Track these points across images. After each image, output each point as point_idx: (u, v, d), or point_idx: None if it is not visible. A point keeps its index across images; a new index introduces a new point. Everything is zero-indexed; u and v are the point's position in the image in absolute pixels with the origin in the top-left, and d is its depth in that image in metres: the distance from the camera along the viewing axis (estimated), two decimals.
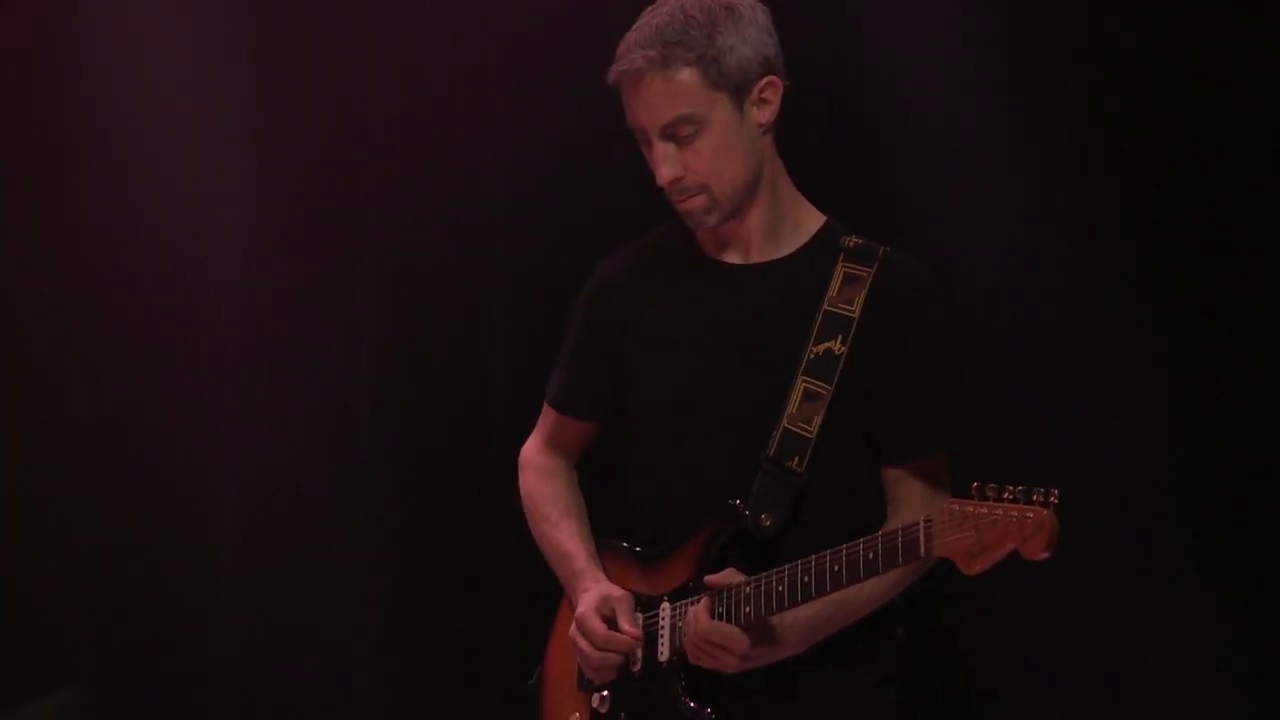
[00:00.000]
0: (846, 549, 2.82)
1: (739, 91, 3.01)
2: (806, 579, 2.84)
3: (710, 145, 3.01)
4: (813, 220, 3.13)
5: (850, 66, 4.29)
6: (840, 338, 2.99)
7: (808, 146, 4.18)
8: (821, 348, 2.99)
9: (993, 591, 4.01)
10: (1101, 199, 4.14)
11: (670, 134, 3.02)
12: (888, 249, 3.06)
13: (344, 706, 4.76)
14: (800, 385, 2.99)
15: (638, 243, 3.26)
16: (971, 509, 2.68)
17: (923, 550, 2.73)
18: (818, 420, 2.97)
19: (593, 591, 3.11)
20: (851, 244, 3.05)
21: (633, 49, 3.03)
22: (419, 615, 4.69)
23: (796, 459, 2.96)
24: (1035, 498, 2.66)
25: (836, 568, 2.81)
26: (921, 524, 2.74)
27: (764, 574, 2.91)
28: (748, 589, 2.90)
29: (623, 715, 3.06)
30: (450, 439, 4.68)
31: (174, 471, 4.81)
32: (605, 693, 3.09)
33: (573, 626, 3.09)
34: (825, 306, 3.00)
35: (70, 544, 4.84)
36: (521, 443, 3.43)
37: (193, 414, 4.80)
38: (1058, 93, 4.16)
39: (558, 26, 4.50)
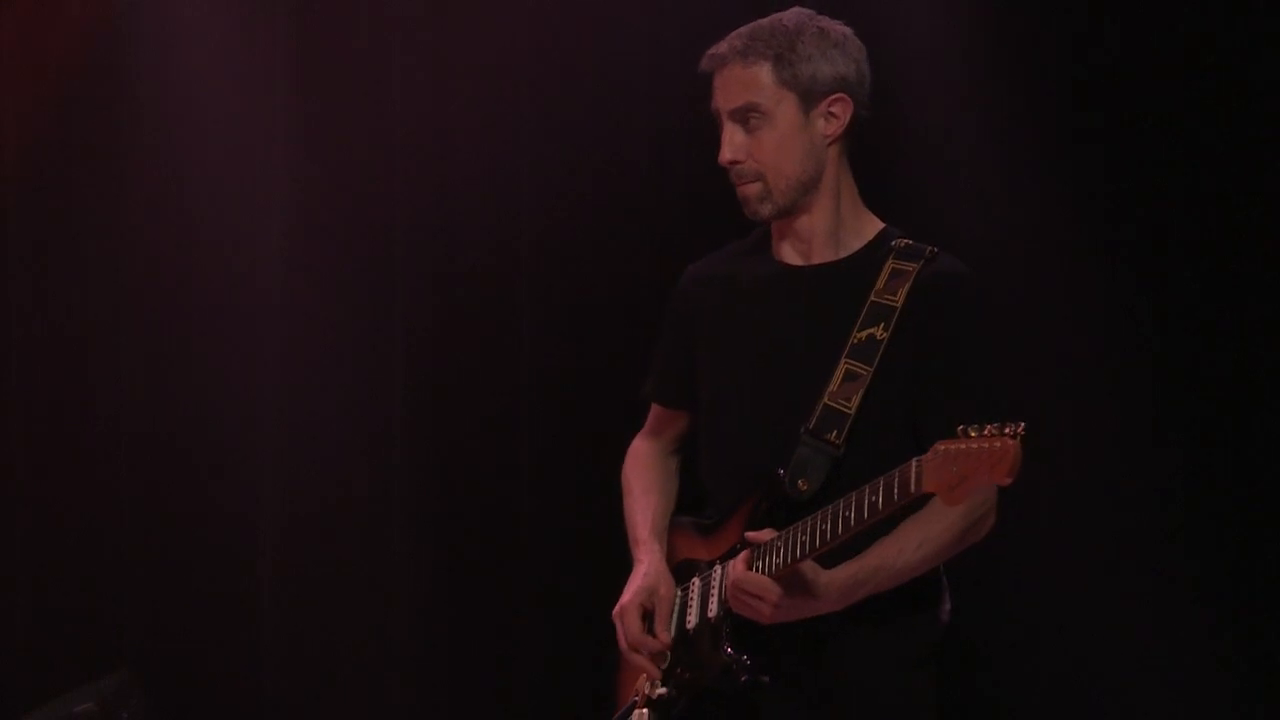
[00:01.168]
0: (855, 494, 2.95)
1: (807, 98, 3.18)
2: (824, 525, 2.98)
3: (772, 138, 3.18)
4: (872, 228, 3.27)
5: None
6: (883, 325, 3.12)
7: None
8: (865, 334, 3.14)
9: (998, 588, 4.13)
10: (1096, 199, 4.16)
11: (739, 119, 3.20)
12: (935, 249, 3.19)
13: (378, 694, 4.81)
14: (843, 366, 3.12)
15: (726, 247, 3.42)
16: (953, 446, 2.82)
17: (912, 486, 2.87)
18: (857, 398, 3.10)
19: (641, 579, 3.27)
20: (902, 245, 3.21)
21: (727, 39, 3.24)
22: (452, 612, 4.73)
23: (835, 432, 3.10)
24: (1006, 430, 2.79)
25: (848, 512, 2.95)
26: (913, 464, 2.88)
27: (793, 527, 3.05)
28: (778, 541, 3.05)
29: (678, 670, 3.19)
30: (483, 440, 4.71)
31: (217, 467, 4.89)
32: (650, 682, 3.21)
33: (617, 609, 3.25)
34: (872, 297, 3.15)
35: (119, 537, 4.94)
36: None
37: (235, 413, 4.87)
38: (1053, 95, 4.19)
39: (590, 28, 4.56)
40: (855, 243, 3.26)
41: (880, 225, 3.29)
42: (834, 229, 3.26)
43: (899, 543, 3.08)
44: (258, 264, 4.89)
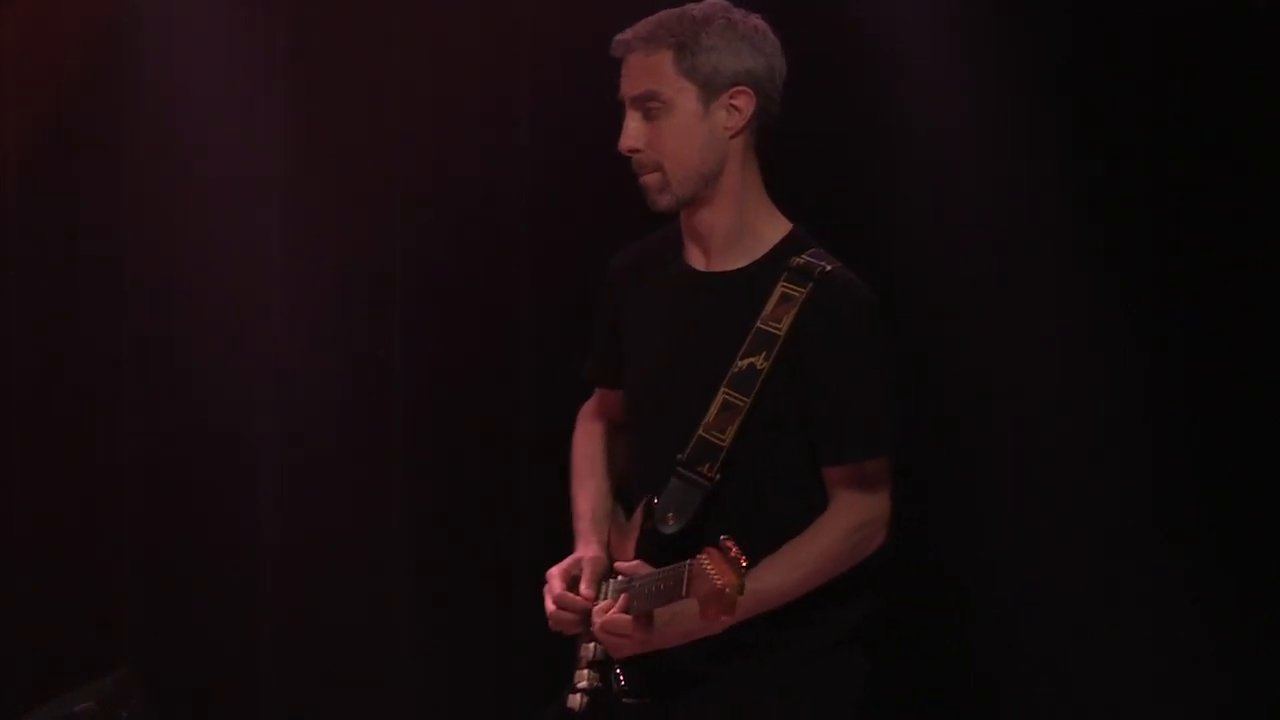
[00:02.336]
0: (667, 572, 3.01)
1: (708, 89, 3.15)
2: (652, 588, 3.03)
3: (670, 128, 3.16)
4: (776, 233, 3.24)
5: (851, 67, 4.35)
6: (765, 354, 3.10)
7: (809, 147, 4.35)
8: (746, 362, 3.11)
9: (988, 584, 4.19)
10: (1093, 200, 4.17)
11: (639, 107, 3.19)
12: (826, 268, 3.15)
13: (379, 693, 4.83)
14: (721, 396, 3.11)
15: (647, 238, 3.41)
16: (707, 564, 2.88)
17: (684, 591, 2.93)
18: (732, 430, 3.09)
19: (573, 555, 3.29)
20: (796, 264, 3.16)
21: (635, 26, 3.22)
22: (452, 611, 4.75)
23: (708, 465, 3.10)
24: (742, 564, 2.84)
25: (660, 585, 3.01)
26: (688, 567, 2.93)
27: (646, 577, 3.08)
28: (635, 585, 3.09)
29: (601, 666, 3.22)
30: (483, 439, 4.74)
31: (216, 467, 4.91)
32: (591, 644, 3.24)
33: (547, 575, 3.28)
34: (757, 324, 3.13)
35: (119, 536, 4.96)
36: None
37: (235, 413, 4.89)
38: (1049, 94, 4.20)
39: (590, 28, 4.48)
40: (756, 249, 3.22)
41: (786, 229, 3.26)
42: (736, 229, 3.23)
43: (778, 565, 3.09)
44: (257, 263, 4.90)
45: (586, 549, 3.29)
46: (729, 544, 2.89)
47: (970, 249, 4.27)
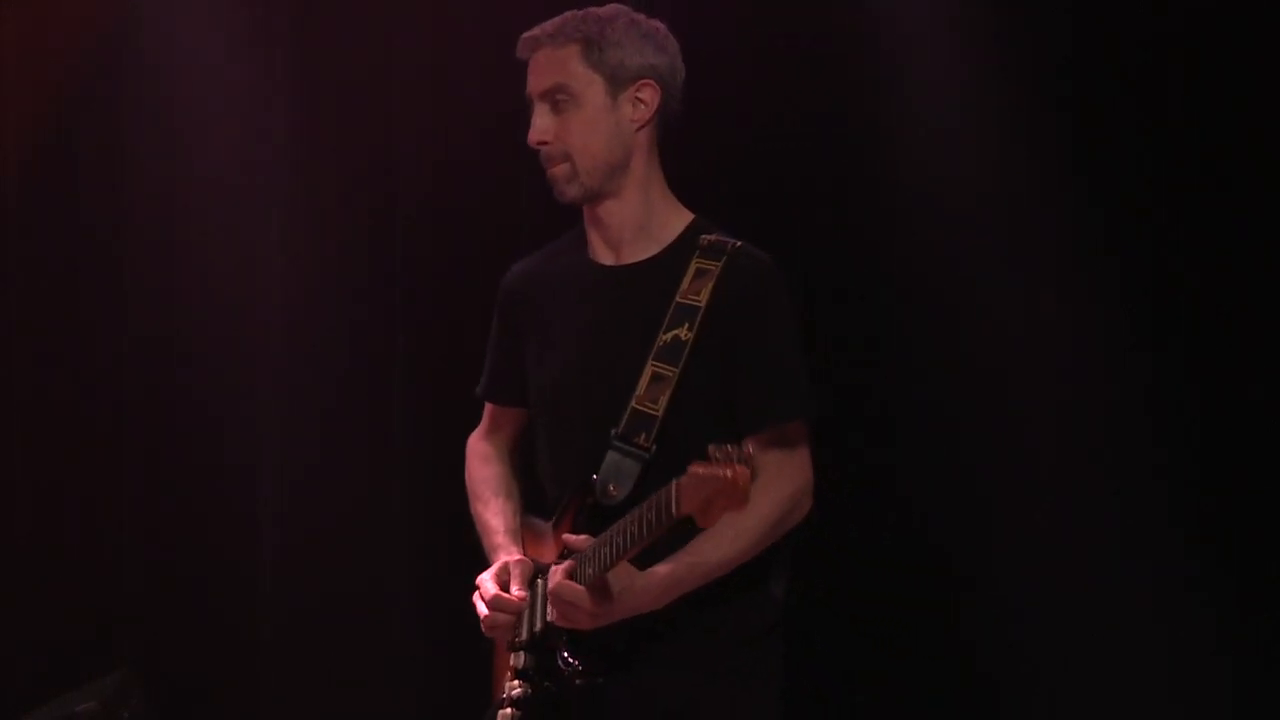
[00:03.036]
0: (639, 510, 3.02)
1: (615, 82, 3.27)
2: (619, 539, 3.05)
3: (579, 119, 3.27)
4: (680, 221, 3.34)
5: (851, 67, 4.36)
6: (688, 325, 3.20)
7: (809, 143, 4.35)
8: (670, 335, 3.21)
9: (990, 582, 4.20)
10: (1094, 199, 4.17)
11: (548, 100, 3.29)
12: (737, 244, 3.26)
13: (378, 693, 4.84)
14: (650, 369, 3.19)
15: (547, 246, 3.49)
16: (702, 470, 2.89)
17: (674, 508, 2.93)
18: (664, 400, 3.17)
19: (498, 562, 3.34)
20: (706, 242, 3.27)
21: (541, 25, 3.32)
22: (452, 611, 4.57)
23: (643, 435, 3.17)
24: (745, 453, 2.87)
25: (634, 527, 3.02)
26: (673, 486, 2.94)
27: (599, 536, 3.11)
28: (588, 551, 3.12)
29: (531, 671, 3.24)
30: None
31: (217, 467, 4.92)
32: (523, 651, 3.27)
33: (475, 592, 3.32)
34: (677, 299, 3.22)
35: (120, 536, 4.97)
36: None
37: (235, 413, 4.91)
38: (1048, 93, 4.20)
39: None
40: (665, 236, 3.32)
41: (690, 217, 3.36)
42: (643, 220, 3.33)
43: (714, 538, 3.14)
44: (258, 264, 4.91)
45: (510, 555, 3.35)
46: (711, 451, 2.90)
47: (970, 248, 4.27)
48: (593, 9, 3.32)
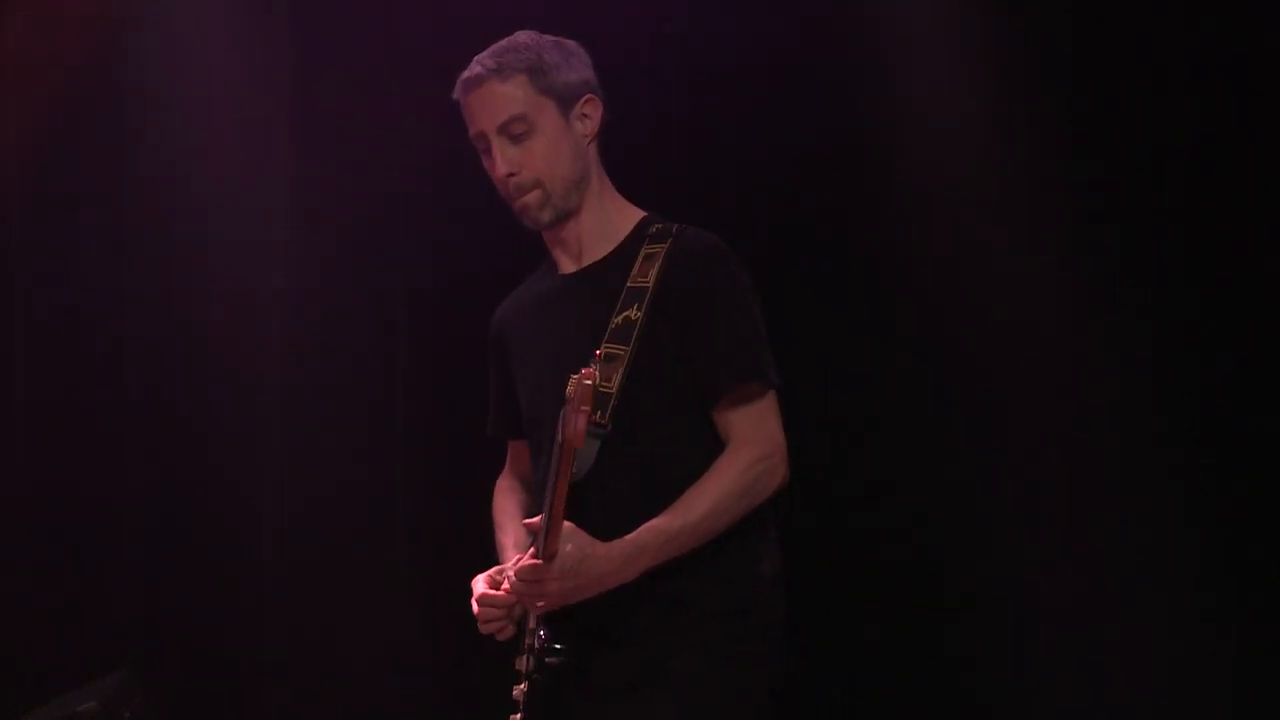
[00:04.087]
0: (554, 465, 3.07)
1: (564, 102, 3.35)
2: (547, 496, 3.09)
3: (541, 144, 3.34)
4: (632, 219, 3.42)
5: (850, 67, 4.37)
6: (637, 305, 3.26)
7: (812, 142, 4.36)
8: (620, 317, 3.27)
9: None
10: (1095, 198, 4.18)
11: (506, 132, 3.34)
12: (682, 227, 3.35)
13: (382, 694, 4.85)
14: (604, 350, 3.24)
15: (524, 281, 3.56)
16: (568, 391, 2.98)
17: (559, 434, 3.01)
18: (618, 378, 3.22)
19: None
20: (655, 229, 3.36)
21: (473, 63, 3.38)
22: (458, 614, 4.66)
23: (599, 413, 3.19)
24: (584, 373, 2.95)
25: (548, 478, 3.08)
26: (560, 416, 3.01)
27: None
28: (538, 524, 3.16)
29: (533, 673, 3.26)
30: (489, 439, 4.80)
31: (220, 467, 4.92)
32: (525, 656, 3.28)
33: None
34: (627, 284, 3.29)
35: (121, 536, 4.97)
36: None
37: (238, 414, 4.90)
38: (1052, 92, 4.21)
39: (592, 30, 4.58)
40: (617, 236, 3.39)
41: (639, 215, 3.43)
42: (600, 227, 3.40)
43: (681, 505, 3.19)
44: (261, 265, 4.91)
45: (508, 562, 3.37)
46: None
47: (971, 247, 4.29)
48: (514, 39, 3.38)
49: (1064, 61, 4.21)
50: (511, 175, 3.35)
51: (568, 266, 3.43)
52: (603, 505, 3.21)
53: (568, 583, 3.16)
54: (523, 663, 3.26)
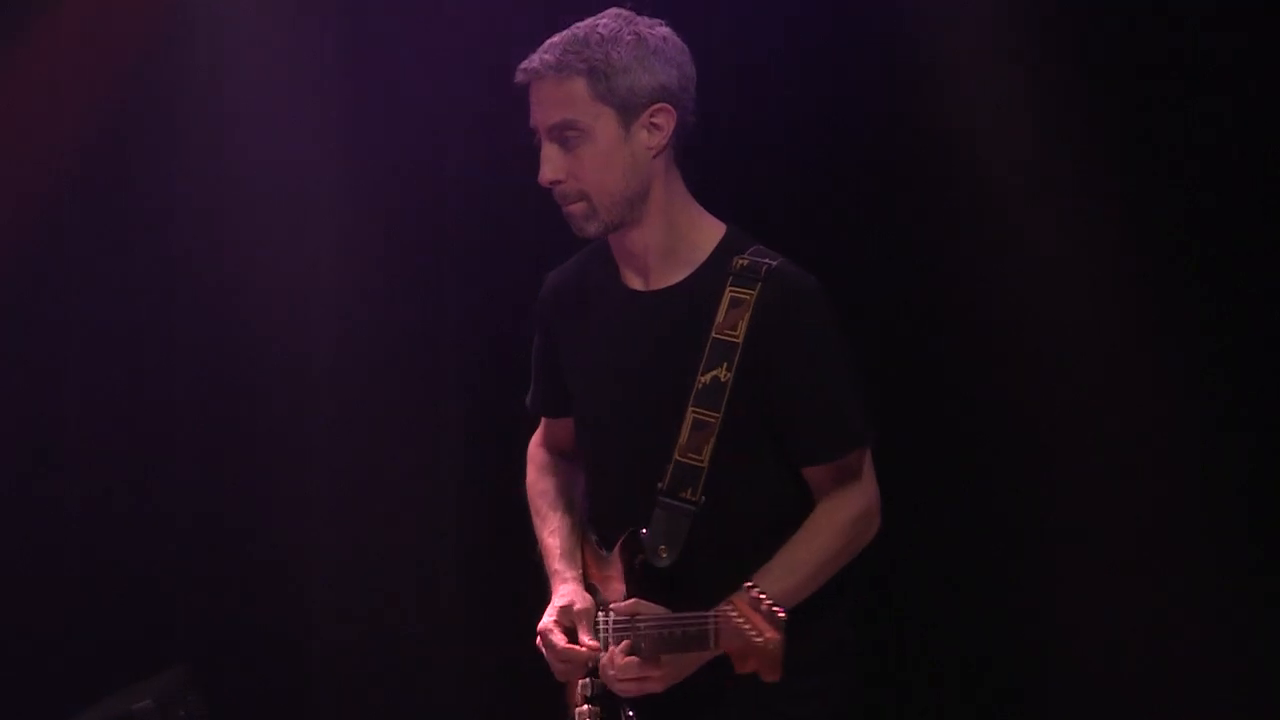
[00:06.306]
0: (686, 620, 2.97)
1: (626, 110, 3.09)
2: (667, 633, 2.99)
3: (591, 155, 3.09)
4: (709, 238, 3.18)
5: (884, 67, 4.34)
6: (726, 365, 3.06)
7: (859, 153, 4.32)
8: (709, 376, 3.06)
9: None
10: (1132, 199, 4.14)
11: (556, 137, 3.11)
12: (771, 265, 3.09)
13: (428, 694, 4.86)
14: (690, 415, 3.06)
15: (579, 255, 3.36)
16: (739, 619, 2.84)
17: (712, 644, 2.90)
18: (708, 450, 3.05)
19: (558, 598, 3.24)
20: (739, 266, 3.10)
21: (539, 52, 3.14)
22: (506, 617, 4.56)
23: (690, 490, 3.06)
24: (777, 615, 2.81)
25: (679, 633, 2.97)
26: (711, 620, 2.90)
27: (650, 619, 3.04)
28: (641, 627, 3.04)
29: (604, 696, 3.19)
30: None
31: (270, 466, 4.92)
32: (589, 679, 3.20)
33: (539, 630, 3.23)
34: (713, 334, 3.07)
35: (177, 537, 4.97)
36: None
37: (287, 413, 4.91)
38: (1086, 99, 4.18)
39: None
40: (695, 257, 3.17)
41: (720, 232, 3.20)
42: (670, 244, 3.18)
43: (778, 571, 3.06)
44: (308, 260, 4.90)
45: (566, 589, 3.25)
46: (758, 594, 2.86)
47: (1005, 247, 4.25)
48: (594, 24, 3.12)
49: (1110, 62, 4.17)
50: (556, 183, 3.14)
51: (633, 282, 3.22)
52: (698, 581, 3.06)
53: (674, 671, 3.06)
54: (589, 688, 3.18)
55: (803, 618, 3.05)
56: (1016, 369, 4.22)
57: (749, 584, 2.87)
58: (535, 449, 3.51)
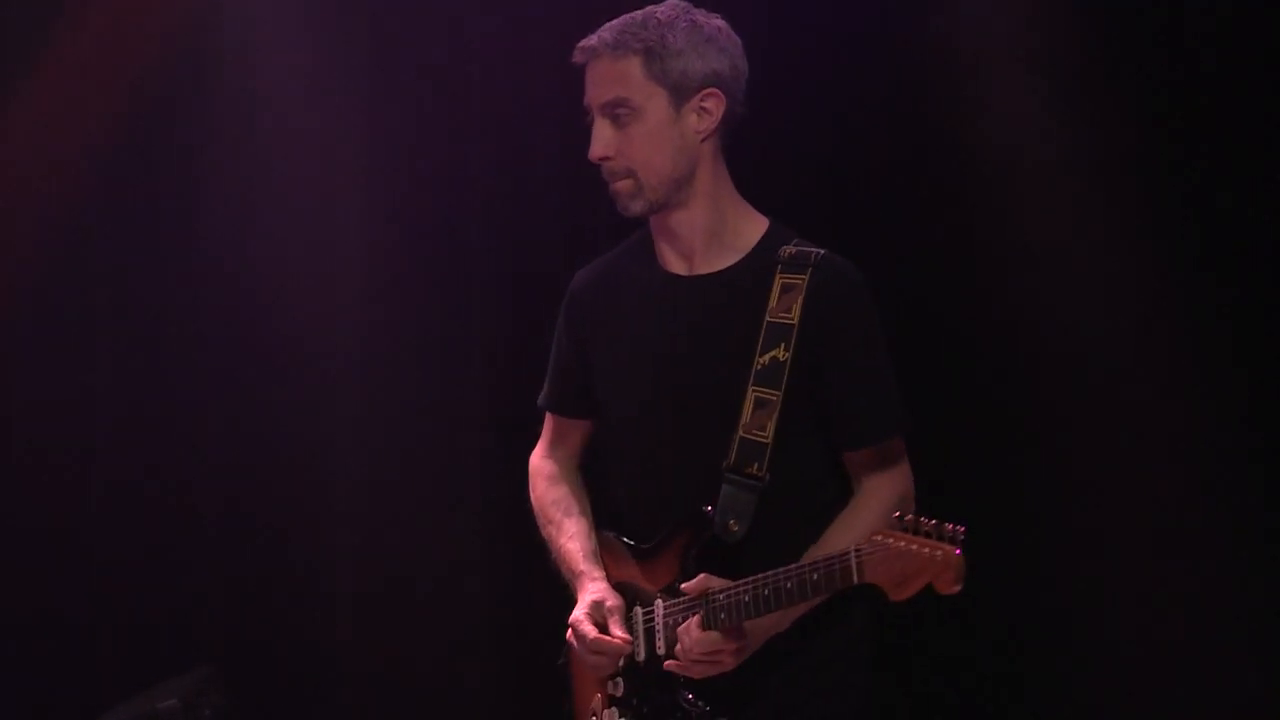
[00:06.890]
0: (797, 569, 2.97)
1: (678, 93, 3.19)
2: (766, 592, 3.00)
3: (641, 134, 3.19)
4: (754, 228, 3.27)
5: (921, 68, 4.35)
6: (784, 345, 3.14)
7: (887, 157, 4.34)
8: (767, 357, 3.14)
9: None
10: (1189, 201, 4.13)
11: (608, 114, 3.20)
12: (819, 253, 3.19)
13: (456, 694, 4.87)
14: (751, 394, 3.13)
15: (606, 254, 3.42)
16: (893, 542, 2.83)
17: (855, 578, 2.89)
18: (771, 426, 3.12)
19: (588, 594, 3.27)
20: (787, 254, 3.20)
21: (598, 31, 3.23)
22: (532, 619, 4.66)
23: (756, 465, 3.12)
24: (947, 532, 2.81)
25: (790, 584, 2.98)
26: (853, 554, 2.89)
27: (734, 586, 3.05)
28: (720, 597, 3.06)
29: (634, 700, 3.22)
30: None
31: (296, 470, 4.94)
32: (619, 679, 3.25)
33: (570, 623, 3.27)
34: (767, 318, 3.15)
35: (204, 537, 5.00)
36: None
37: (314, 419, 4.93)
38: (1124, 104, 4.17)
39: None
40: (741, 245, 3.24)
41: (764, 224, 3.28)
42: (715, 229, 3.25)
43: (828, 546, 3.07)
44: (334, 262, 4.92)
45: (596, 586, 3.29)
46: (912, 519, 2.86)
47: (1022, 248, 4.26)
48: (653, 10, 3.23)
49: (1145, 64, 4.18)
50: (605, 159, 3.22)
51: (676, 266, 3.28)
52: (763, 556, 3.10)
53: (743, 647, 3.10)
54: (616, 688, 3.21)
55: (825, 611, 3.15)
56: (1034, 370, 4.24)
57: (897, 514, 2.88)
58: (539, 461, 3.54)
